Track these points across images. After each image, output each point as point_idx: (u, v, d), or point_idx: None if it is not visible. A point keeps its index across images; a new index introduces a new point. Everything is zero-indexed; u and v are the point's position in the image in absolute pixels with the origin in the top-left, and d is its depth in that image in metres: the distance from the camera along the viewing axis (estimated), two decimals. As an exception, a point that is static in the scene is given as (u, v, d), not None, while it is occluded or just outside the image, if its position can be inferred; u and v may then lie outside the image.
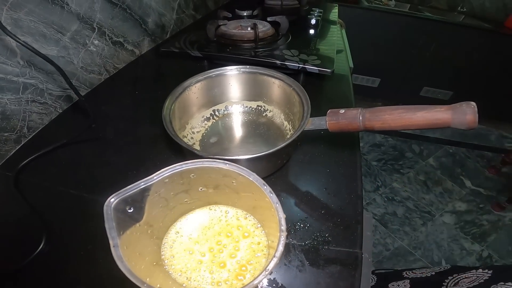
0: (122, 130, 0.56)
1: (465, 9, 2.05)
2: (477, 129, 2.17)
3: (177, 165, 0.25)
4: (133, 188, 0.23)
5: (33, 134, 0.53)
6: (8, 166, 0.47)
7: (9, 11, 0.45)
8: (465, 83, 2.03)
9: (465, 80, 2.01)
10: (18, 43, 0.47)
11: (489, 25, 1.85)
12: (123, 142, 0.53)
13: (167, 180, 0.25)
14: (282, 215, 0.22)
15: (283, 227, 0.21)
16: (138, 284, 0.21)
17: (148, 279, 0.22)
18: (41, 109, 0.54)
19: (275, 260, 0.20)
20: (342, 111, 0.37)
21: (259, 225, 0.31)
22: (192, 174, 0.27)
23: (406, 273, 0.58)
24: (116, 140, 0.54)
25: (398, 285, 0.55)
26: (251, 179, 0.24)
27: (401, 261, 1.36)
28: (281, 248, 0.20)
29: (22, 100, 0.50)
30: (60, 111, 0.58)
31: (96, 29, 0.63)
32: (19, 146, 0.51)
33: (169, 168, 0.25)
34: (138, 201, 0.24)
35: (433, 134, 2.10)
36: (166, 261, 0.29)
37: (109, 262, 0.35)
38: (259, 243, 0.29)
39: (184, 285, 0.27)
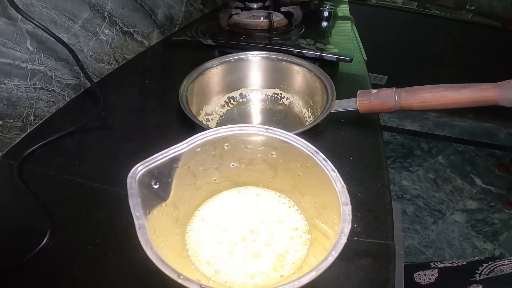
0: (132, 119, 0.54)
1: (473, 7, 2.02)
2: (486, 127, 2.15)
3: (211, 131, 0.22)
4: (161, 157, 0.20)
5: (40, 122, 0.51)
6: (12, 154, 0.44)
7: (22, -4, 0.44)
8: (473, 81, 1.99)
9: (474, 78, 1.96)
10: (28, 29, 0.45)
11: (497, 23, 1.82)
12: (133, 131, 0.51)
13: (198, 149, 0.22)
14: (343, 185, 0.19)
15: (347, 200, 0.18)
16: (172, 276, 0.17)
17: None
18: (49, 96, 0.51)
19: (343, 238, 0.16)
20: (374, 91, 0.35)
21: (295, 208, 0.28)
22: (227, 144, 0.24)
23: (434, 264, 0.56)
24: (125, 129, 0.52)
25: (425, 274, 0.52)
26: (298, 146, 0.21)
27: (412, 260, 1.33)
28: (348, 225, 0.17)
29: (30, 86, 0.48)
30: (68, 99, 0.56)
31: (107, 18, 0.61)
32: (25, 134, 0.48)
33: (202, 134, 0.22)
34: (165, 174, 0.21)
35: (441, 132, 2.07)
36: (190, 252, 0.26)
37: (120, 257, 0.33)
38: (296, 228, 0.26)
39: (212, 279, 0.24)
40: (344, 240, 0.17)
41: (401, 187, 1.66)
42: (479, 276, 0.47)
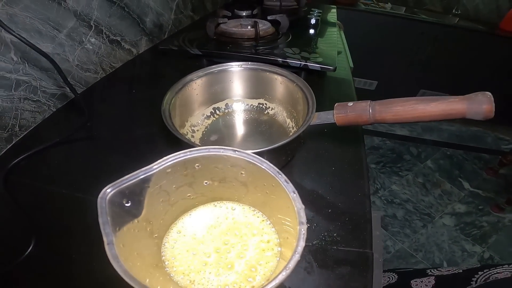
0: (118, 129, 0.54)
1: (459, 11, 2.07)
2: (474, 131, 2.18)
3: (180, 153, 0.23)
4: (131, 179, 0.21)
5: (25, 132, 0.51)
6: (-2, 165, 0.44)
7: (5, 6, 0.44)
8: (460, 85, 2.03)
9: (461, 82, 2.02)
10: (12, 39, 0.45)
11: (483, 26, 1.87)
12: (118, 141, 0.51)
13: (169, 170, 0.23)
14: (301, 206, 0.20)
15: (303, 219, 0.19)
16: (136, 287, 0.19)
17: (147, 281, 0.20)
18: (34, 107, 0.52)
19: (296, 256, 0.17)
20: (350, 104, 0.36)
21: (268, 222, 0.29)
22: (197, 164, 0.24)
23: (430, 271, 0.57)
24: (111, 139, 0.52)
25: (422, 281, 0.53)
26: (263, 167, 0.22)
27: (402, 263, 1.34)
28: (302, 243, 0.18)
29: (14, 97, 0.48)
30: (54, 109, 0.56)
31: (93, 26, 0.61)
32: (10, 145, 0.48)
33: (172, 156, 0.23)
34: (136, 193, 0.22)
35: (430, 137, 2.11)
36: (167, 263, 0.27)
37: (105, 266, 0.33)
38: (268, 241, 0.27)
39: None
40: (297, 257, 0.18)
41: (391, 192, 1.68)
42: (475, 283, 0.48)
